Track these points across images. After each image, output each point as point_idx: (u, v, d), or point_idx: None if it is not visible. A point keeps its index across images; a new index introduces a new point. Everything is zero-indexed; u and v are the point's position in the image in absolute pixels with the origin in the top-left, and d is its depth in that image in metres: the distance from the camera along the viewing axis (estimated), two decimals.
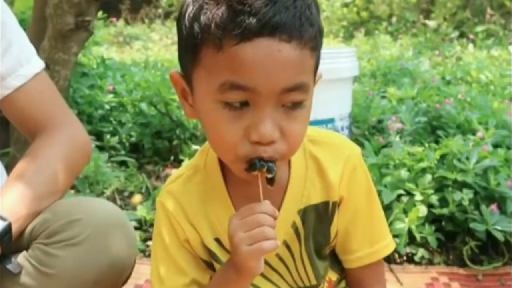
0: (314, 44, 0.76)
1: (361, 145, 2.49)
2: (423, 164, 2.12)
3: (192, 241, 0.93)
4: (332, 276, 1.01)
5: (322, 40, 0.80)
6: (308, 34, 0.74)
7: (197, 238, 0.93)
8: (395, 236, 1.95)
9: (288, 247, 0.94)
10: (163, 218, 0.94)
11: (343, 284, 1.04)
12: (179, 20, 0.79)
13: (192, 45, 0.77)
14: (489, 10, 8.14)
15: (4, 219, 0.99)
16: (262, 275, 0.95)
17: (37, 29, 2.35)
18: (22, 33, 1.18)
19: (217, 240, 0.93)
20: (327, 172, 0.92)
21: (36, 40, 2.18)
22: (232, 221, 0.79)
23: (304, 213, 0.92)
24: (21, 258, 1.03)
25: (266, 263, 0.94)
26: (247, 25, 0.71)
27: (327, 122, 2.41)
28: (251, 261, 0.78)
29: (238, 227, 0.78)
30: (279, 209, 0.91)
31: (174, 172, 2.98)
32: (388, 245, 0.98)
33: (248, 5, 0.71)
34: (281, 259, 0.95)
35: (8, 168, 1.23)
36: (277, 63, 0.73)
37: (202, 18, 0.74)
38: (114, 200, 2.42)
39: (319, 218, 0.93)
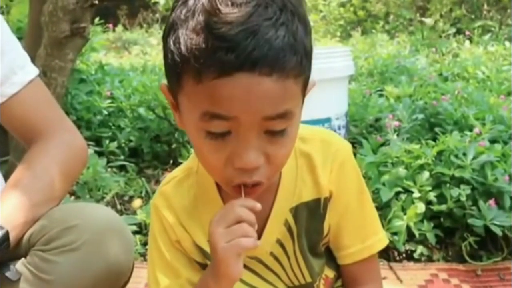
0: (298, 71, 0.73)
1: (359, 143, 2.50)
2: (420, 161, 2.12)
3: (183, 242, 0.94)
4: (329, 273, 1.02)
5: (310, 58, 0.77)
6: (291, 64, 0.72)
7: (188, 239, 0.94)
8: (393, 233, 1.96)
9: (282, 245, 0.95)
10: (156, 219, 0.95)
11: (340, 282, 1.05)
12: (163, 41, 0.78)
13: (174, 72, 0.75)
14: (485, 6, 8.14)
15: (2, 227, 1.00)
16: (258, 275, 0.97)
17: (33, 36, 2.36)
18: (15, 40, 1.19)
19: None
20: (317, 168, 0.92)
21: (33, 47, 2.19)
22: (213, 219, 0.79)
23: (296, 211, 0.93)
24: (20, 265, 1.03)
25: (262, 262, 0.96)
26: (225, 61, 0.69)
27: (324, 121, 2.42)
28: (230, 259, 0.77)
29: (217, 224, 0.78)
30: (271, 208, 0.92)
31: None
32: (380, 240, 0.98)
33: (226, 40, 0.69)
34: (276, 258, 0.96)
35: (7, 176, 1.24)
36: (257, 96, 0.70)
37: (183, 48, 0.72)
38: (114, 205, 2.43)
39: (311, 215, 0.94)
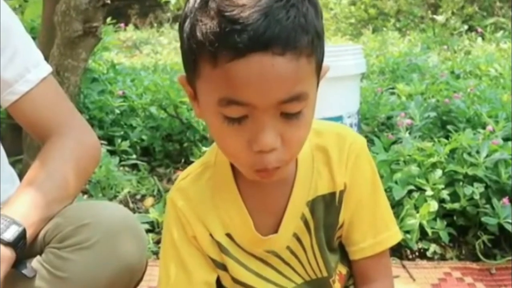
0: (310, 50, 0.75)
1: (371, 141, 2.49)
2: (433, 159, 2.11)
3: (200, 237, 0.94)
4: (342, 269, 1.02)
5: (323, 39, 0.79)
6: (302, 43, 0.73)
7: (205, 234, 0.94)
8: (406, 232, 1.95)
9: (298, 239, 0.95)
10: (172, 214, 0.96)
11: (351, 281, 1.04)
12: (179, 32, 0.80)
13: (191, 59, 0.77)
14: (497, 3, 8.08)
15: (19, 225, 1.01)
16: (275, 269, 0.97)
17: (47, 36, 2.38)
18: (29, 38, 1.20)
19: (228, 236, 0.94)
20: (333, 161, 0.93)
21: (46, 47, 2.22)
22: None
23: (312, 204, 0.93)
24: (35, 262, 1.04)
25: (279, 257, 0.96)
26: (239, 43, 0.70)
27: (335, 120, 2.41)
28: None
29: None
30: (287, 202, 0.92)
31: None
32: (392, 235, 0.98)
33: (239, 22, 0.70)
34: (292, 252, 0.96)
35: (22, 175, 1.25)
36: (271, 77, 0.72)
37: (198, 34, 0.74)
38: (126, 204, 2.45)
39: (327, 208, 0.94)
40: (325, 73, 0.83)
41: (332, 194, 0.94)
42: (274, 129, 0.76)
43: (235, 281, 0.96)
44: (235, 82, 0.73)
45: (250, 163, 0.80)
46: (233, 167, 0.92)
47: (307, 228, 0.94)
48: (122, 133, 3.10)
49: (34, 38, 1.21)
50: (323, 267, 0.98)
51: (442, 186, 2.02)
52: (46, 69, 1.20)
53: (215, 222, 0.94)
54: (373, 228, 0.96)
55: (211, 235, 0.94)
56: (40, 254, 1.06)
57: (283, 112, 0.76)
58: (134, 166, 2.91)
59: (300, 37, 0.73)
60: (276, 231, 0.93)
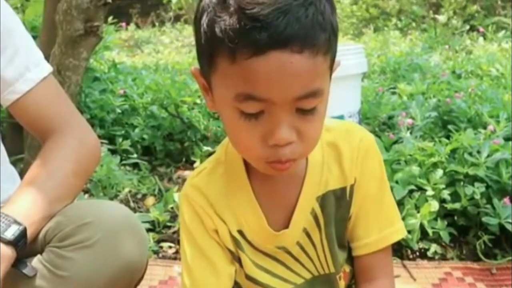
0: (327, 48, 0.76)
1: None
2: (434, 159, 2.11)
3: (221, 231, 0.94)
4: (346, 267, 1.02)
5: (337, 36, 0.80)
6: (320, 41, 0.74)
7: (225, 228, 0.94)
8: (407, 232, 1.95)
9: (308, 235, 0.95)
10: (189, 210, 0.95)
11: (353, 280, 1.05)
12: (195, 25, 0.81)
13: (208, 54, 0.78)
14: (499, 2, 8.07)
15: (20, 224, 1.01)
16: (284, 264, 0.97)
17: (47, 35, 2.38)
18: (29, 38, 1.20)
19: (240, 232, 0.95)
20: (343, 157, 0.93)
21: (47, 46, 2.22)
22: None
23: (322, 199, 0.94)
24: (36, 261, 1.04)
25: (288, 252, 0.96)
26: (258, 40, 0.71)
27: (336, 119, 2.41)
28: None
29: None
30: (298, 197, 0.93)
31: (186, 174, 2.98)
32: (397, 231, 0.98)
33: (259, 20, 0.71)
34: (302, 248, 0.96)
35: (23, 174, 1.25)
36: (290, 74, 0.73)
37: (216, 29, 0.74)
38: (127, 203, 2.45)
39: (338, 203, 0.95)
40: (336, 68, 0.84)
41: (343, 189, 0.94)
42: (290, 124, 0.77)
43: (247, 277, 0.96)
44: (253, 78, 0.74)
45: (263, 156, 0.81)
46: (245, 163, 0.92)
47: (316, 223, 0.95)
48: (123, 132, 3.11)
49: (35, 37, 1.21)
50: (331, 263, 0.98)
51: (443, 186, 2.02)
52: (47, 68, 1.20)
53: (230, 217, 0.94)
54: (378, 223, 0.97)
55: (229, 230, 0.94)
56: (41, 253, 1.06)
57: (298, 108, 0.77)
58: (135, 166, 2.91)
59: (318, 35, 0.74)
60: (286, 227, 0.94)
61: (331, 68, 0.81)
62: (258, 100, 0.75)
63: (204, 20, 0.77)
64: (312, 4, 0.74)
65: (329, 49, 0.77)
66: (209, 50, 0.77)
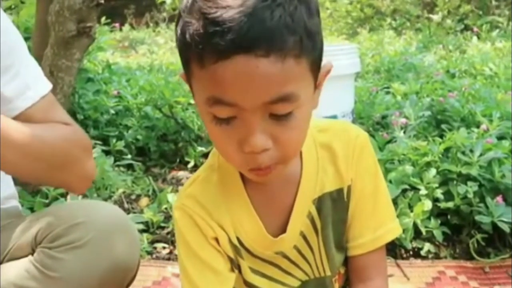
0: (298, 51, 0.72)
1: None
2: (427, 158, 2.12)
3: (221, 239, 0.93)
4: (341, 269, 1.02)
5: (317, 38, 0.76)
6: (289, 44, 0.71)
7: (225, 236, 0.93)
8: None
9: (305, 238, 0.94)
10: (186, 221, 0.93)
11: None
12: (175, 30, 0.80)
13: (184, 59, 0.78)
14: (493, 2, 8.10)
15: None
16: (281, 269, 0.96)
17: (40, 36, 2.37)
18: (29, 55, 1.19)
19: (238, 239, 0.93)
20: (339, 158, 0.92)
21: (40, 47, 2.21)
22: None
23: (319, 202, 0.93)
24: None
25: (286, 257, 0.95)
26: (221, 44, 0.69)
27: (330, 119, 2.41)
28: None
29: None
30: (294, 201, 0.92)
31: (180, 174, 2.96)
32: (392, 229, 0.97)
33: (221, 24, 0.69)
34: (299, 251, 0.95)
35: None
36: (256, 79, 0.71)
37: (186, 35, 0.74)
38: (121, 204, 2.45)
39: (335, 205, 0.94)
40: (327, 72, 0.82)
41: (340, 191, 0.94)
42: (264, 131, 0.75)
43: (245, 283, 0.96)
44: (220, 83, 0.72)
45: (243, 162, 0.80)
46: None
47: (313, 226, 0.94)
48: (117, 133, 3.10)
49: (27, 38, 1.19)
50: (327, 266, 0.97)
51: (436, 185, 2.03)
52: (46, 86, 1.19)
53: (228, 224, 0.93)
54: (373, 222, 0.95)
55: (228, 237, 0.93)
56: (32, 254, 1.06)
57: (272, 113, 0.75)
58: (129, 166, 2.91)
59: (286, 38, 0.71)
60: (283, 231, 0.93)
61: (313, 73, 0.78)
62: (227, 105, 0.74)
63: (179, 26, 0.76)
64: (280, 6, 0.71)
65: (303, 53, 0.73)
66: (184, 55, 0.77)
